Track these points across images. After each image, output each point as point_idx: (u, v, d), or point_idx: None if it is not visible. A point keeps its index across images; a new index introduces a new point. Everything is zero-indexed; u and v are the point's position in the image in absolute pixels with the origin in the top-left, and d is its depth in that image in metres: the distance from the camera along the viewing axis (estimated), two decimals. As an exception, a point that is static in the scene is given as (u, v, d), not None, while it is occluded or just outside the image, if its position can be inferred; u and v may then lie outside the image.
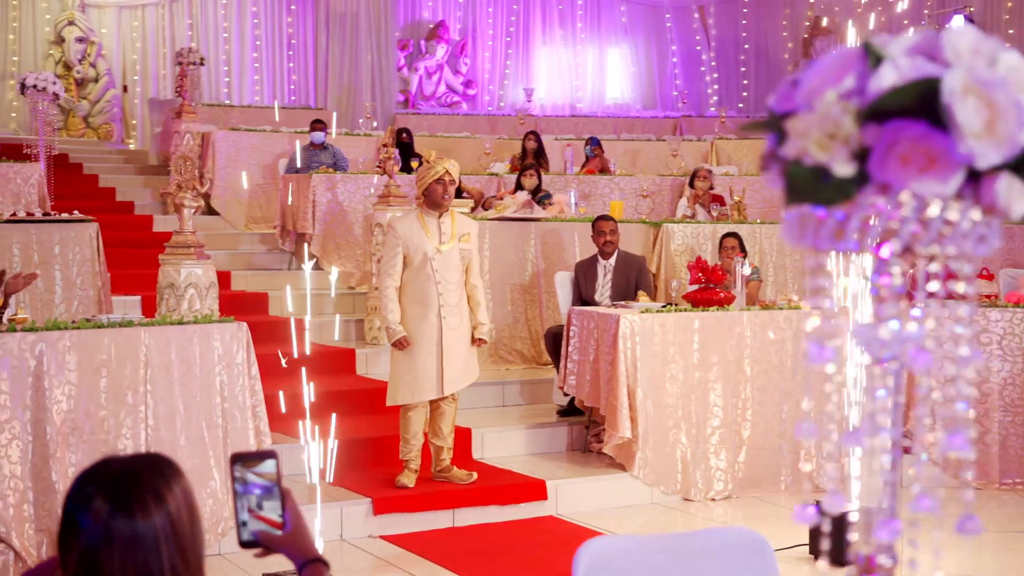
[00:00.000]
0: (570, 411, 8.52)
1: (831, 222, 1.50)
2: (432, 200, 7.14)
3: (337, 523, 6.84)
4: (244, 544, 2.25)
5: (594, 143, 13.76)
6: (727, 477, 7.86)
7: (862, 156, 1.44)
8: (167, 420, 6.41)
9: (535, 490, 7.38)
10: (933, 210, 1.45)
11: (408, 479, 7.17)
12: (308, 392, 5.81)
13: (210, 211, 13.16)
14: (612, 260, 8.94)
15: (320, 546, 6.40)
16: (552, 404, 8.93)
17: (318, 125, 12.76)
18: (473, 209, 10.64)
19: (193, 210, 7.51)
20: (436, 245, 7.09)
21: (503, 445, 8.13)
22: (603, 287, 8.85)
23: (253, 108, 16.72)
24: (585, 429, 8.31)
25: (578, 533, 6.97)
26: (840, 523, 5.22)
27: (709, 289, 8.18)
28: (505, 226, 10.13)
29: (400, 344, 7.07)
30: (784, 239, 1.58)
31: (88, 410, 6.20)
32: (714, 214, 10.99)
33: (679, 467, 7.78)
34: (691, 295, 8.22)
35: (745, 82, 19.42)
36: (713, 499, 7.79)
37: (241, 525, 2.24)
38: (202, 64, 15.23)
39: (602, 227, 8.95)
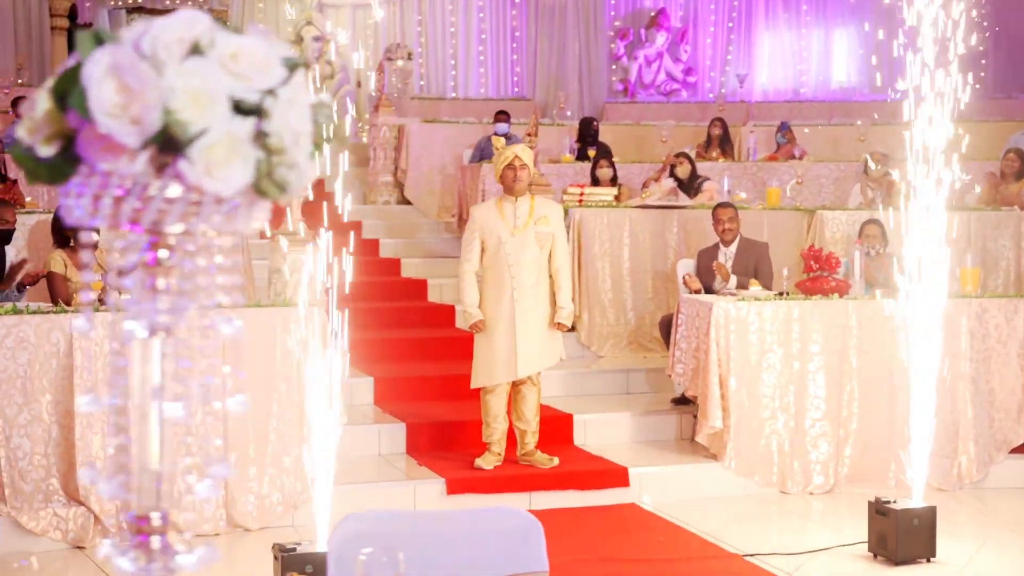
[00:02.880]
0: (683, 400, 8.44)
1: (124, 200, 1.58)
2: (505, 185, 7.28)
3: (410, 500, 7.05)
4: None
5: (784, 128, 13.44)
6: (828, 471, 7.61)
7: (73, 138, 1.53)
8: (247, 397, 6.76)
9: (616, 477, 7.38)
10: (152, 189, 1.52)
11: (487, 462, 7.30)
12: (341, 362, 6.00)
13: (404, 201, 13.65)
14: (733, 247, 8.79)
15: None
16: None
17: (501, 116, 13.00)
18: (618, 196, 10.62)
19: (301, 200, 7.85)
20: (510, 229, 7.21)
21: (606, 432, 8.14)
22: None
23: (462, 100, 17.16)
24: (693, 418, 8.21)
25: (648, 521, 6.94)
26: (900, 522, 5.12)
27: (820, 277, 7.94)
28: (647, 214, 10.09)
29: (476, 327, 7.24)
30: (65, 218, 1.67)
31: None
32: (877, 201, 10.57)
33: (775, 459, 7.59)
34: (802, 283, 8.01)
35: (983, 62, 18.40)
36: (811, 493, 7.56)
37: None
38: (409, 59, 15.73)
39: (720, 215, 8.82)
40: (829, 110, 18.03)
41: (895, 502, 6.14)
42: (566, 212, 9.90)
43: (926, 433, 6.33)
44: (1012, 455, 7.79)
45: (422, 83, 19.31)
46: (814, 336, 7.64)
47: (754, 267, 8.64)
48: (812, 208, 10.41)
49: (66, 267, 7.48)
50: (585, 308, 9.86)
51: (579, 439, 8.10)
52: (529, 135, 10.07)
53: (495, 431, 7.37)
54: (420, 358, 9.46)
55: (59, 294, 7.33)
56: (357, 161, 15.41)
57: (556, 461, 7.40)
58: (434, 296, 10.87)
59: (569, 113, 15.48)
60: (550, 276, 7.31)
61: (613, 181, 11.07)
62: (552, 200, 8.03)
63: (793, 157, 12.86)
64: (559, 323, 7.29)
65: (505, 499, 7.17)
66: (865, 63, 18.68)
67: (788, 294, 7.89)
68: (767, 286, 8.31)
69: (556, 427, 8.06)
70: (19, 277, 7.39)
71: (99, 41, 1.54)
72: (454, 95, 18.85)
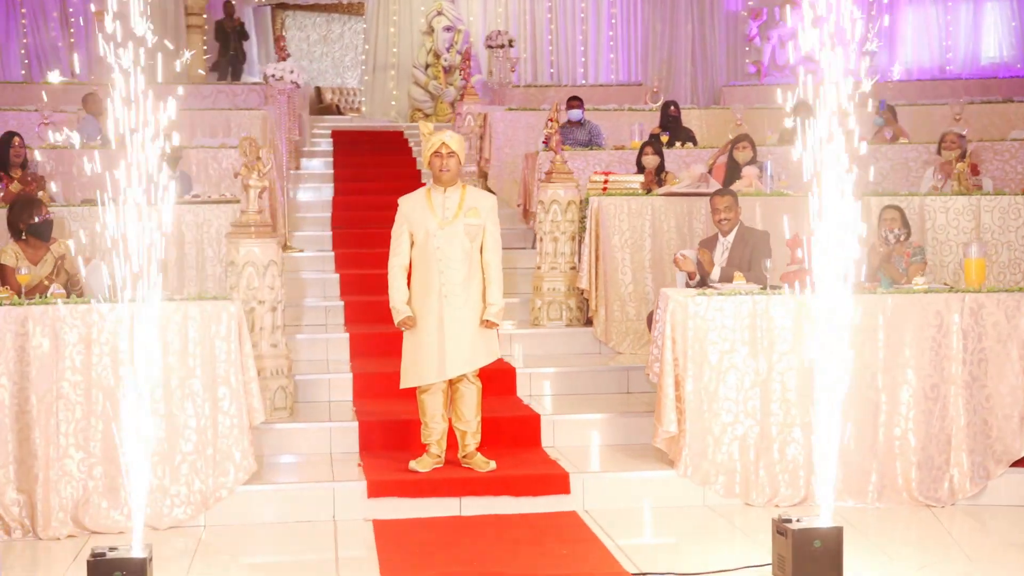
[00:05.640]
0: (670, 401, 7.86)
1: None
2: (433, 174, 6.90)
3: (329, 504, 6.74)
4: None
5: (881, 108, 12.48)
6: (798, 481, 6.93)
7: None
8: (159, 393, 6.58)
9: (557, 483, 6.90)
10: None
11: (422, 464, 6.94)
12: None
13: (489, 190, 13.35)
14: (731, 237, 8.15)
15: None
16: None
17: (574, 103, 12.54)
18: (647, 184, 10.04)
19: (259, 191, 7.65)
20: (439, 221, 6.82)
21: (577, 434, 7.66)
22: (720, 265, 8.10)
23: (568, 87, 16.71)
24: (672, 421, 7.64)
25: (572, 533, 6.45)
26: (797, 543, 4.60)
27: (805, 269, 7.24)
28: (673, 202, 9.50)
29: (404, 324, 6.89)
30: None
31: (75, 381, 6.54)
32: (939, 184, 9.67)
33: (738, 467, 6.96)
34: (786, 275, 7.33)
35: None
36: (778, 505, 6.89)
37: None
38: (511, 46, 15.39)
39: (716, 203, 8.20)
40: (982, 87, 16.85)
41: (798, 520, 5.48)
42: (585, 201, 9.46)
43: (834, 441, 5.63)
44: (1015, 468, 6.93)
45: (552, 70, 19.00)
46: (783, 334, 6.97)
47: (748, 258, 7.99)
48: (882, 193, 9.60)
49: (17, 260, 7.51)
50: (602, 302, 9.35)
51: (547, 441, 7.65)
52: (551, 120, 9.61)
53: (433, 431, 7.01)
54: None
55: (10, 286, 7.34)
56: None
57: (493, 465, 6.97)
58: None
59: (662, 97, 14.85)
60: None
61: (659, 169, 10.50)
62: (483, 190, 7.59)
63: (885, 140, 11.94)
64: (487, 320, 6.87)
65: (432, 504, 6.81)
66: (1019, 35, 17.35)
67: (769, 288, 7.23)
68: (759, 279, 7.64)
69: (522, 428, 7.66)
70: None
71: None
72: (583, 82, 18.45)
